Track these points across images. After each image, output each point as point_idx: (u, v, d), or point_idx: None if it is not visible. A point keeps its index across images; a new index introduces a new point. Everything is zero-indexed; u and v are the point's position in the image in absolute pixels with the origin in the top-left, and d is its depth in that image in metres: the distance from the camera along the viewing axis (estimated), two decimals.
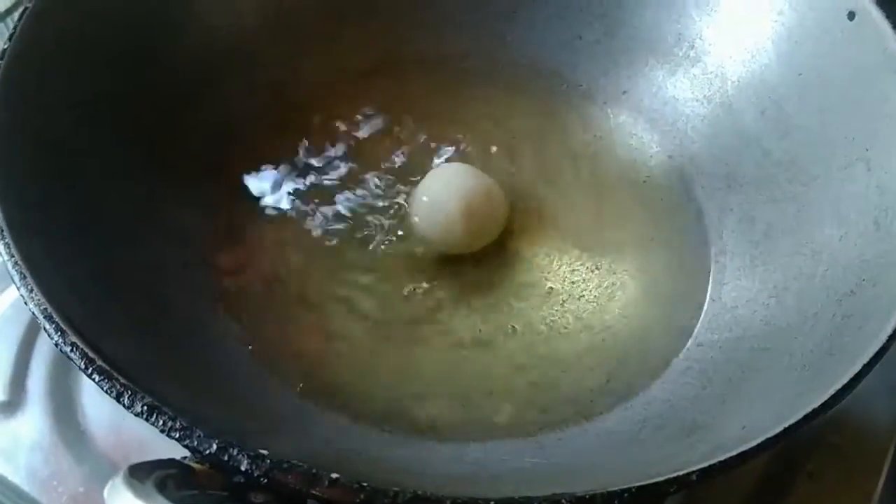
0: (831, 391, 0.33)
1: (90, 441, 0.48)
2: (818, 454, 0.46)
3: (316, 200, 0.52)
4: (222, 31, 0.53)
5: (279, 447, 0.32)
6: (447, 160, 0.54)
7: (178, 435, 0.31)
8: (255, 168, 0.52)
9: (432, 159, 0.54)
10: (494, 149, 0.55)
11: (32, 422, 0.48)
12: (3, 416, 0.49)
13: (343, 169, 0.53)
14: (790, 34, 0.49)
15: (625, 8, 0.56)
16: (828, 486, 0.46)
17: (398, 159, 0.54)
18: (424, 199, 0.49)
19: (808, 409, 0.33)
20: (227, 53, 0.53)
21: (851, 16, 0.45)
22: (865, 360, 0.34)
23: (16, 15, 0.54)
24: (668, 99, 0.56)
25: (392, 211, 0.51)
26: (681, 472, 0.30)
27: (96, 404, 0.48)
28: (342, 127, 0.55)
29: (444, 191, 0.48)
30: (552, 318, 0.48)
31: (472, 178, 0.49)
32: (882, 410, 0.48)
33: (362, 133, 0.55)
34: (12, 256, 0.35)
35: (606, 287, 0.49)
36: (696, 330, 0.47)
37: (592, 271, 0.50)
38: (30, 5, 0.43)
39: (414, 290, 0.48)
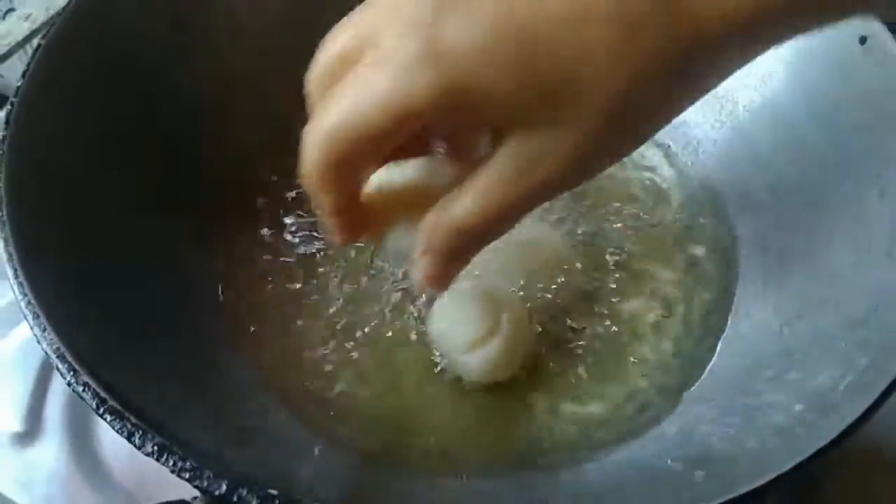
0: (843, 426, 0.33)
1: (107, 471, 0.48)
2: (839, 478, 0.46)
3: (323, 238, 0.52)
4: (230, 68, 0.53)
5: (292, 484, 0.33)
6: None
7: (188, 475, 0.31)
8: (262, 204, 0.53)
9: None
10: None
11: (49, 452, 0.49)
12: (21, 446, 0.49)
13: None
14: (801, 59, 0.49)
15: None
16: None
17: None
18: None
19: (820, 445, 0.32)
20: (234, 89, 0.53)
21: (863, 40, 0.45)
22: (876, 394, 0.33)
23: (34, 41, 0.54)
24: (678, 123, 0.55)
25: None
26: None
27: (113, 434, 0.47)
28: None
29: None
30: (569, 353, 0.47)
31: None
32: None
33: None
34: (25, 296, 0.35)
35: (619, 317, 0.49)
36: (710, 358, 0.47)
37: (604, 302, 0.49)
38: (43, 42, 0.44)
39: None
